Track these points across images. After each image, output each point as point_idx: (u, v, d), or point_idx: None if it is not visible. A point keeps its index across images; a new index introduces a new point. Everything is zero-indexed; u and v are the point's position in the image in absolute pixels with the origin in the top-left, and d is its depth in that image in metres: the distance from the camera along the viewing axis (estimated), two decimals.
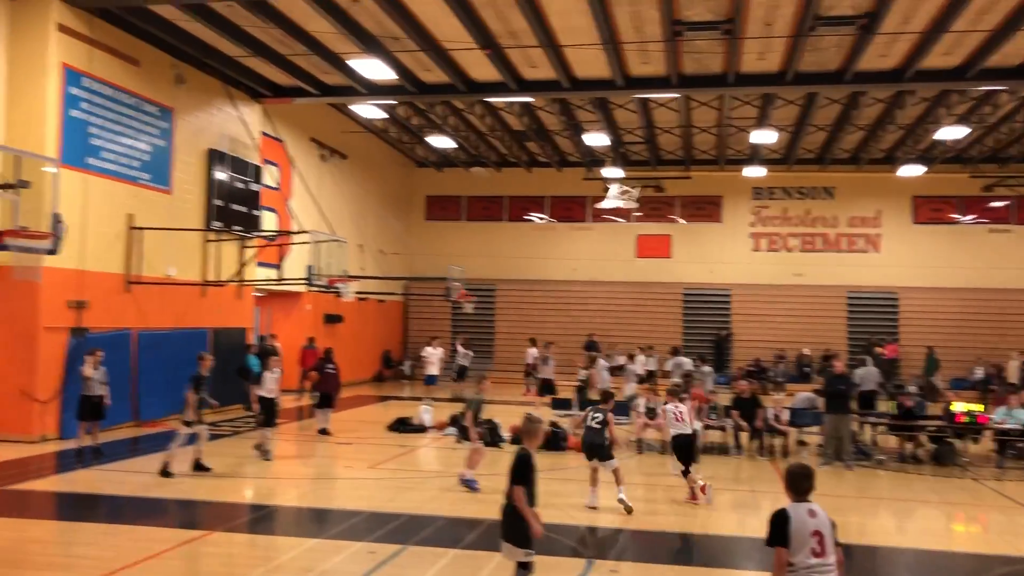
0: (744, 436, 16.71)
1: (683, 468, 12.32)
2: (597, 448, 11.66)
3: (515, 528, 6.79)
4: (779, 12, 17.40)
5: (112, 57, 17.77)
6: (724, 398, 18.62)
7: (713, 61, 20.49)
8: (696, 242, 35.02)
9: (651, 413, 16.74)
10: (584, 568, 8.87)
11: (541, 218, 36.12)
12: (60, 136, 16.31)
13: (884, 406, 19.01)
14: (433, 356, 25.05)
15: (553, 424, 17.08)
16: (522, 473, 6.83)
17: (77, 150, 16.74)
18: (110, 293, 17.77)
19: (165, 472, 12.85)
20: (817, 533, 5.48)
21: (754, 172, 32.21)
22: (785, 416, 17.09)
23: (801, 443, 17.61)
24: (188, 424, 13.14)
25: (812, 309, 33.95)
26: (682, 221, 35.19)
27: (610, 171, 31.68)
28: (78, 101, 16.82)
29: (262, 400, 14.90)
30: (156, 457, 14.78)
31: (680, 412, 12.46)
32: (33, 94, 16.09)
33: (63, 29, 16.40)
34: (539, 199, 36.18)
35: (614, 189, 31.78)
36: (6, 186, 10.61)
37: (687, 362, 23.67)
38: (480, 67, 21.24)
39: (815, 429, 17.42)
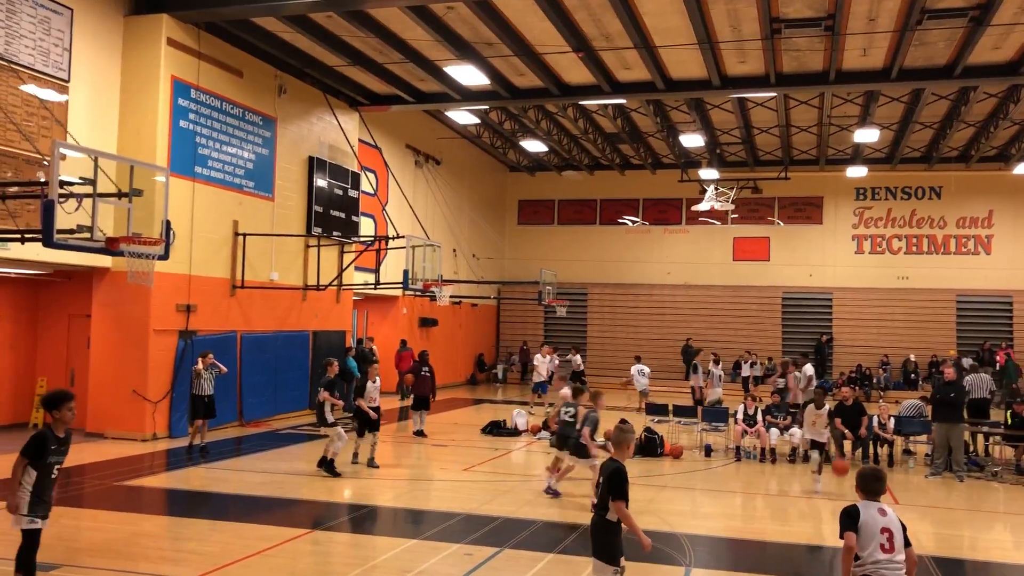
0: (847, 444, 16.19)
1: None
2: (563, 439, 12.66)
3: (604, 544, 6.63)
4: (883, 6, 16.82)
5: (218, 69, 18.43)
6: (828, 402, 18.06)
7: (813, 59, 19.95)
8: (795, 244, 34.17)
9: (750, 420, 16.39)
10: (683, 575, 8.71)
11: (634, 221, 35.82)
12: (170, 146, 16.99)
13: (997, 415, 18.13)
14: (543, 364, 24.16)
15: (648, 430, 16.88)
16: (620, 487, 6.56)
17: (186, 159, 17.42)
18: (216, 297, 18.41)
19: (329, 468, 13.44)
20: (886, 530, 5.62)
21: (856, 172, 31.26)
22: (891, 424, 16.48)
23: (907, 452, 16.96)
24: (332, 425, 13.62)
25: (918, 313, 32.69)
26: (781, 223, 34.40)
27: (706, 172, 31.20)
28: (186, 112, 17.50)
29: (361, 412, 14.45)
30: (259, 456, 15.24)
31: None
32: (145, 106, 16.81)
33: (172, 43, 17.09)
34: (632, 202, 35.89)
35: (710, 191, 31.28)
36: (120, 194, 11.08)
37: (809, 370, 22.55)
38: (573, 70, 21.21)
39: (923, 438, 16.76)
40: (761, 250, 34.53)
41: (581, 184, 35.68)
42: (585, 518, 11.15)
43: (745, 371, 29.51)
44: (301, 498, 11.93)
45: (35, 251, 13.92)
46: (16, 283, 17.90)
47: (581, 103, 24.96)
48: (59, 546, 9.19)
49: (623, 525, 6.60)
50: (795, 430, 16.43)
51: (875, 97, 23.31)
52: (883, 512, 5.72)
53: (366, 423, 14.47)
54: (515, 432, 19.09)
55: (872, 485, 5.88)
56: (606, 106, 25.12)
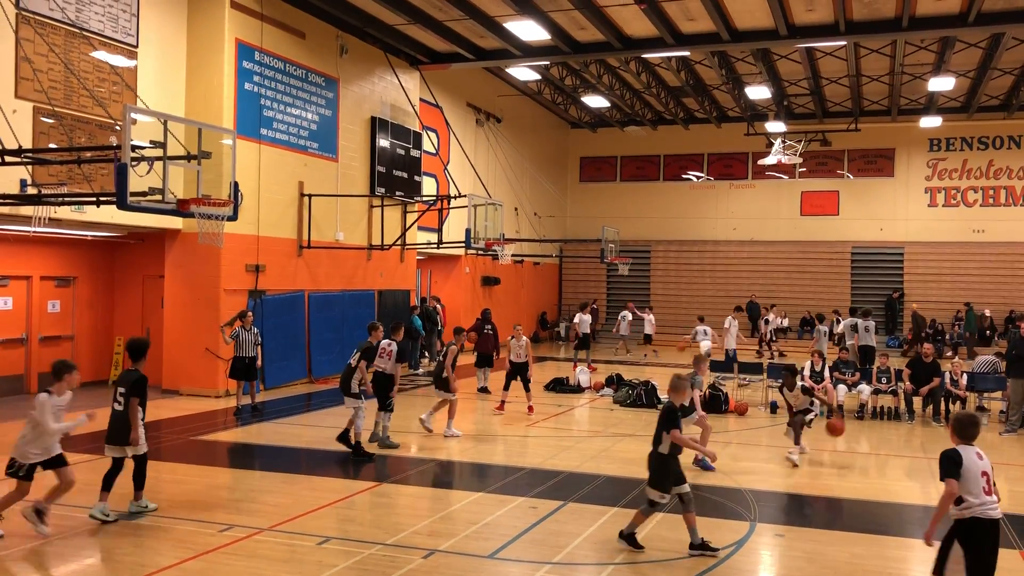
0: (917, 401, 15.89)
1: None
2: (435, 377, 13.73)
3: (653, 474, 7.99)
4: None
5: (280, 31, 18.58)
6: (896, 361, 17.74)
7: (885, 4, 19.26)
8: (866, 198, 33.31)
9: (817, 377, 16.16)
10: (748, 531, 8.71)
11: (699, 176, 35.30)
12: (236, 108, 17.26)
13: None
14: (585, 322, 24.84)
15: (712, 386, 16.78)
16: (673, 420, 7.89)
17: (251, 121, 17.68)
18: (283, 257, 18.76)
19: (357, 452, 12.02)
20: (985, 473, 5.81)
21: (930, 122, 30.27)
22: (963, 380, 16.10)
23: (981, 409, 16.56)
24: (355, 396, 12.13)
25: (994, 267, 31.70)
26: (850, 176, 33.55)
27: (773, 125, 30.51)
28: (251, 74, 17.71)
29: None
30: (328, 412, 15.55)
31: None
32: (211, 69, 17.07)
33: (236, 6, 17.27)
34: (697, 157, 35.34)
35: (777, 144, 30.61)
36: (190, 157, 11.30)
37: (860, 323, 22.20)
38: (635, 22, 20.84)
39: (997, 395, 16.35)
40: (830, 204, 33.76)
41: (644, 140, 35.22)
42: (645, 473, 11.25)
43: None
44: (370, 452, 12.17)
45: (110, 214, 14.35)
46: (93, 245, 18.50)
47: (644, 56, 24.54)
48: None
49: (676, 455, 7.92)
50: (863, 386, 16.18)
51: (951, 43, 22.41)
52: (980, 456, 5.88)
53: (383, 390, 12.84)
54: (578, 389, 19.17)
55: (969, 430, 5.98)
56: (669, 59, 24.67)
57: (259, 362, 15.41)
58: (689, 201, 35.30)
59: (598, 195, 36.50)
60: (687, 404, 10.13)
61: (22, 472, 8.19)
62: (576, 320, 23.28)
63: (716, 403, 16.27)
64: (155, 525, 8.53)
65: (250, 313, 15.42)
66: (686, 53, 23.95)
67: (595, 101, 29.47)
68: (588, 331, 23.18)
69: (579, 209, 36.40)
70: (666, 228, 35.30)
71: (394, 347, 12.83)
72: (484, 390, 18.45)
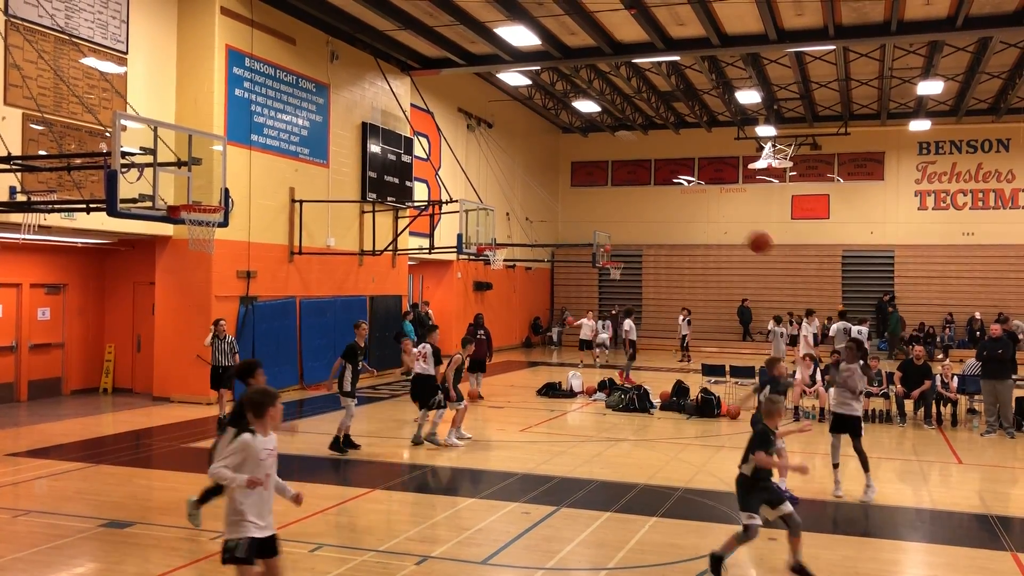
0: (908, 404, 15.94)
1: None
2: (420, 388, 13.30)
3: (739, 495, 7.47)
4: None
5: (271, 37, 18.57)
6: (886, 364, 17.81)
7: (874, 9, 19.34)
8: (856, 201, 33.44)
9: (809, 380, 16.20)
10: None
11: (690, 181, 35.38)
12: (226, 114, 17.23)
13: None
14: (588, 326, 26.35)
15: (705, 390, 16.80)
16: (764, 443, 7.35)
17: (242, 127, 17.65)
18: (275, 263, 18.72)
19: (347, 444, 12.46)
20: None
21: (920, 126, 30.42)
22: (954, 383, 16.17)
23: (972, 411, 16.62)
24: (348, 395, 12.51)
25: (984, 270, 31.82)
26: (841, 180, 33.67)
27: (763, 129, 30.63)
28: (241, 81, 17.69)
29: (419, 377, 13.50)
30: (320, 418, 15.52)
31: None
32: (201, 75, 17.04)
33: (226, 12, 17.25)
34: (688, 161, 35.43)
35: (767, 148, 30.72)
36: (180, 163, 11.29)
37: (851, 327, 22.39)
38: (625, 28, 20.90)
39: None
40: (820, 208, 33.88)
41: (635, 144, 35.29)
42: (642, 478, 11.21)
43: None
44: (362, 459, 12.15)
45: (100, 220, 14.28)
46: (83, 252, 18.43)
47: (634, 61, 24.61)
48: (132, 504, 9.55)
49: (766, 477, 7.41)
50: None
51: (939, 48, 22.54)
52: None
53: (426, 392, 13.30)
54: (571, 394, 19.18)
55: None
56: (660, 64, 24.73)
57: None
58: (680, 205, 35.37)
59: (590, 200, 36.55)
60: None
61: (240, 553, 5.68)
62: (626, 327, 22.65)
63: (708, 407, 16.30)
64: (146, 533, 8.49)
65: (223, 321, 14.86)
66: (676, 58, 24.02)
67: (586, 106, 29.52)
68: (635, 338, 22.81)
69: (571, 214, 36.43)
70: (658, 232, 35.36)
71: (428, 349, 13.27)
72: (477, 396, 18.43)
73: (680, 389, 17.67)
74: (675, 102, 30.71)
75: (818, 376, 16.21)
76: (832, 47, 22.64)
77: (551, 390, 19.31)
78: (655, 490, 10.47)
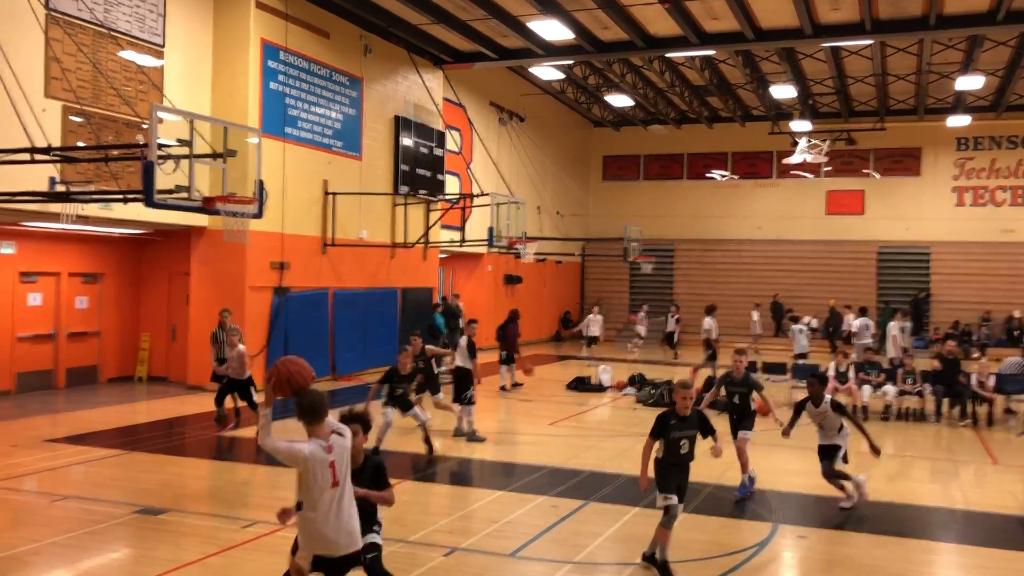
0: (945, 402, 15.75)
1: None
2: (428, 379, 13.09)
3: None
4: None
5: (305, 31, 18.69)
6: (921, 362, 17.60)
7: (912, 3, 19.07)
8: (892, 197, 32.99)
9: (842, 377, 16.02)
10: (770, 532, 8.67)
11: (723, 175, 35.10)
12: (261, 107, 17.38)
13: None
14: (596, 322, 26.45)
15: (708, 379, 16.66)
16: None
17: (276, 120, 17.80)
18: (308, 255, 18.87)
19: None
20: None
21: (958, 121, 29.91)
22: (991, 382, 15.92)
23: (1009, 411, 16.38)
24: (385, 404, 11.94)
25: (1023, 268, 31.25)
26: (876, 175, 33.23)
27: (798, 124, 30.29)
28: (276, 74, 17.83)
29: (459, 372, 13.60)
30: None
31: None
32: (236, 69, 17.20)
33: (261, 6, 17.39)
34: (721, 156, 35.14)
35: (802, 143, 30.37)
36: (215, 155, 11.41)
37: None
38: (659, 22, 20.77)
39: None
40: (855, 203, 33.47)
41: (667, 138, 35.08)
42: None
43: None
44: (393, 449, 12.22)
45: (136, 211, 14.46)
46: (119, 242, 18.70)
47: (667, 56, 24.46)
48: (165, 492, 9.70)
49: None
50: (889, 387, 16.04)
51: (979, 42, 22.15)
52: None
53: (462, 385, 13.36)
54: (600, 388, 19.15)
55: None
56: (693, 58, 24.57)
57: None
58: (713, 200, 35.11)
59: (621, 194, 36.39)
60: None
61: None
62: (706, 326, 21.34)
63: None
64: (179, 520, 8.62)
65: (228, 312, 14.41)
66: (710, 52, 23.83)
67: (618, 100, 29.40)
68: (717, 337, 21.36)
69: (602, 208, 36.32)
70: (690, 227, 35.13)
71: (464, 342, 13.65)
72: (506, 388, 18.51)
73: (711, 385, 17.53)
74: (708, 96, 30.49)
75: (851, 373, 16.04)
76: (869, 42, 22.35)
77: (581, 384, 19.30)
78: None
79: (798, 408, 9.68)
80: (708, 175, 35.30)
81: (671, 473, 7.45)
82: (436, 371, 13.58)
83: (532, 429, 14.48)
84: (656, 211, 35.16)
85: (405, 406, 11.98)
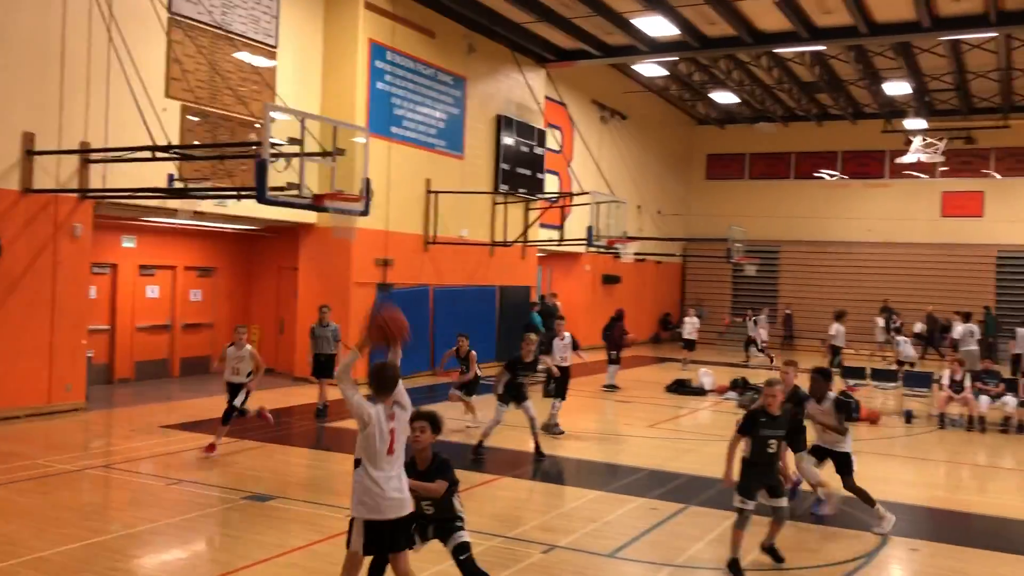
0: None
1: None
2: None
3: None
4: None
5: (411, 31, 18.99)
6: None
7: None
8: (1014, 199, 31.34)
9: (957, 387, 15.33)
10: (879, 543, 8.35)
11: (832, 175, 34.03)
12: (368, 107, 17.75)
13: None
14: (690, 323, 24.93)
15: (844, 393, 16.14)
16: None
17: (383, 119, 18.15)
18: (410, 252, 19.18)
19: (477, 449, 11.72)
20: None
21: None
22: None
23: None
24: (499, 399, 11.99)
25: None
26: (997, 175, 31.64)
27: (912, 122, 29.14)
28: (383, 74, 18.18)
29: (558, 369, 13.69)
30: (452, 404, 15.76)
31: None
32: (344, 69, 17.62)
33: (369, 7, 17.76)
34: (830, 155, 34.07)
35: (917, 142, 29.17)
36: (325, 154, 11.69)
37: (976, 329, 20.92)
38: (767, 16, 20.28)
39: None
40: (974, 205, 31.96)
41: (774, 137, 34.21)
42: None
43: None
44: (491, 445, 12.28)
45: (249, 207, 14.97)
46: (231, 238, 19.39)
47: (776, 51, 23.86)
48: (272, 479, 10.01)
49: None
50: (1008, 398, 15.25)
51: None
52: None
53: (562, 383, 13.64)
54: (701, 391, 18.83)
55: None
56: (803, 54, 23.89)
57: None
58: (821, 200, 34.07)
59: (724, 193, 35.70)
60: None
61: None
62: (832, 331, 21.29)
63: (846, 410, 15.64)
64: (285, 507, 8.87)
65: (327, 309, 14.65)
66: (821, 48, 23.15)
67: (723, 97, 28.88)
68: (842, 344, 21.24)
69: (704, 207, 35.70)
70: (796, 228, 34.18)
71: (568, 339, 14.51)
72: (611, 387, 18.50)
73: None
74: (818, 93, 29.62)
75: (967, 381, 15.32)
76: (993, 34, 21.27)
77: (681, 387, 19.03)
78: None
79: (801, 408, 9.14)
80: (816, 174, 34.29)
81: (754, 475, 7.35)
82: (478, 372, 14.11)
83: (631, 431, 14.34)
84: (761, 211, 34.33)
85: (521, 397, 12.01)
